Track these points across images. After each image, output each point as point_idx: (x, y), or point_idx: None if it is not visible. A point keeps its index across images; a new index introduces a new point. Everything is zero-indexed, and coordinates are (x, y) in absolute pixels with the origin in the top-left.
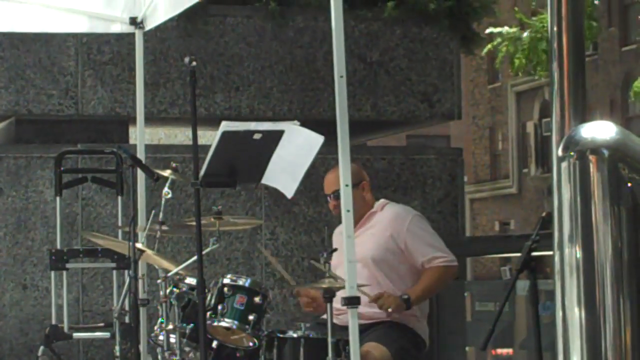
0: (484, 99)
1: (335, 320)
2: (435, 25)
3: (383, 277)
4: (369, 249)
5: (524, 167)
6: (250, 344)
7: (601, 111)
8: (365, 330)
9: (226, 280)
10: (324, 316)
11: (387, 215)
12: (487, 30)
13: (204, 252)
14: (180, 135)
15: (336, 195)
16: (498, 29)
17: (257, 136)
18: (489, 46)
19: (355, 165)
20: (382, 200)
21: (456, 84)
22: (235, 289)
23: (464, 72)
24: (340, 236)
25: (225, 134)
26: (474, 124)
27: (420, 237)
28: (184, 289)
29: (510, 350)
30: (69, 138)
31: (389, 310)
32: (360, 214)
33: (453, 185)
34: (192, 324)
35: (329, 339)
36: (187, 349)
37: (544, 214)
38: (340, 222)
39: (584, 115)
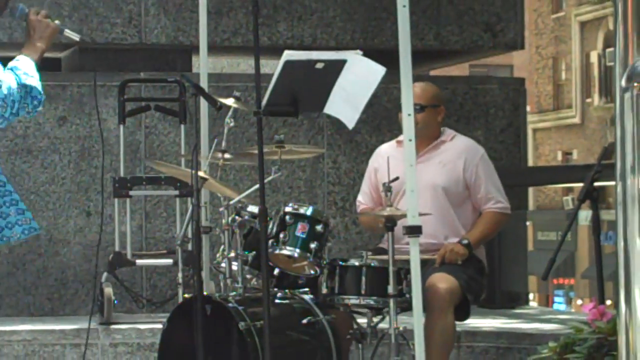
0: (548, 29)
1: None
2: None
3: (449, 208)
4: (439, 178)
5: (587, 97)
6: (312, 272)
7: None
8: (427, 262)
9: (288, 209)
10: (384, 244)
11: (458, 145)
12: None
13: (266, 181)
14: (242, 64)
15: (417, 108)
16: None
17: (319, 65)
18: None
19: (437, 88)
20: (449, 130)
21: (519, 13)
22: (297, 217)
23: (528, 1)
24: (384, 158)
25: (287, 63)
26: (537, 53)
27: (489, 175)
28: (246, 216)
29: (571, 280)
30: (132, 67)
31: (459, 262)
32: (429, 140)
33: (515, 115)
34: (253, 252)
35: (390, 268)
36: (248, 276)
37: (606, 145)
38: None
39: None
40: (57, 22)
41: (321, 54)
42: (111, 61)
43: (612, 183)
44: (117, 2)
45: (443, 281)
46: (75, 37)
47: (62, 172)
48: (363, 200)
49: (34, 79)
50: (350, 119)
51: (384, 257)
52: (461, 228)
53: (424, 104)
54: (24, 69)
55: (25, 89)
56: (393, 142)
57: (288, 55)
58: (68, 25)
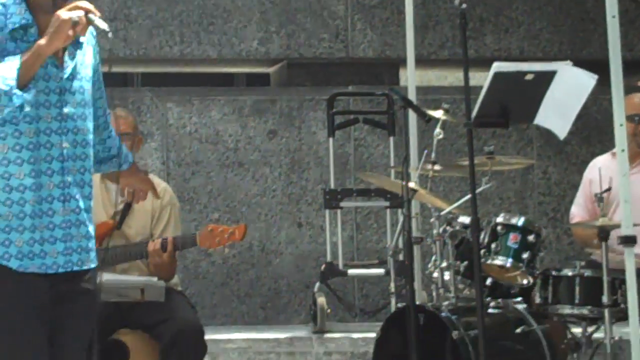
0: None
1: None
2: None
3: None
4: None
5: None
6: (525, 281)
7: None
8: None
9: (499, 219)
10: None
11: None
12: None
13: (476, 192)
14: (449, 77)
15: (636, 119)
16: None
17: (529, 77)
18: None
19: None
20: None
21: None
22: (508, 227)
23: None
24: (597, 169)
25: (497, 75)
26: None
27: None
28: (457, 227)
29: None
30: (339, 80)
31: None
32: (637, 152)
33: None
34: (465, 262)
35: (604, 277)
36: (461, 286)
37: None
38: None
39: None
40: (82, 13)
41: (531, 65)
42: (319, 75)
43: None
44: (324, 17)
45: None
46: (105, 27)
47: (272, 185)
48: (577, 211)
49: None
50: (561, 129)
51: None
52: None
53: None
54: None
55: None
56: (608, 154)
57: (498, 67)
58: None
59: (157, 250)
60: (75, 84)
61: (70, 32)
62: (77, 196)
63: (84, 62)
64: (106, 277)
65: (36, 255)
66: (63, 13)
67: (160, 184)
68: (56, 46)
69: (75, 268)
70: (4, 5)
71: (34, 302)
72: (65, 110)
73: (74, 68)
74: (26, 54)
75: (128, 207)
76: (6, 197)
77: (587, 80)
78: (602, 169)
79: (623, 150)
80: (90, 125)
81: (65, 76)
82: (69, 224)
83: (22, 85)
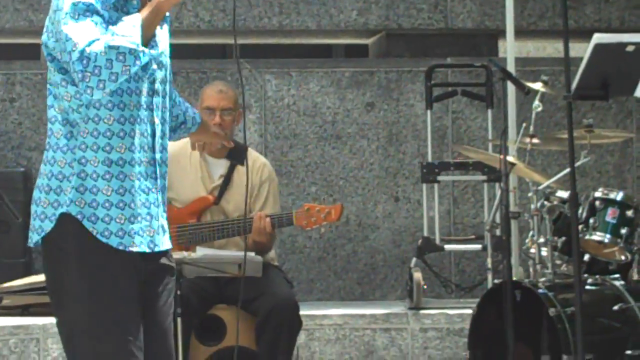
0: None
1: None
2: None
3: None
4: None
5: None
6: (623, 257)
7: None
8: None
9: (597, 194)
10: None
11: None
12: None
13: (575, 165)
14: (548, 48)
15: None
16: None
17: (630, 48)
18: None
19: None
20: None
21: None
22: (607, 202)
23: None
24: None
25: (597, 47)
26: None
27: None
28: (555, 202)
29: None
30: (438, 52)
31: None
32: None
33: None
34: (563, 237)
35: None
36: (558, 262)
37: None
38: None
39: None
40: None
41: (633, 37)
42: (417, 46)
43: None
44: None
45: None
46: None
47: (370, 158)
48: None
49: (124, 38)
50: None
51: None
52: None
53: None
54: (116, 29)
55: (116, 51)
56: None
57: (598, 38)
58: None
59: (263, 228)
60: (163, 58)
61: None
62: (160, 173)
63: (165, 37)
64: (204, 252)
65: (142, 232)
66: None
67: (259, 158)
68: (175, 2)
69: (161, 248)
70: None
71: (131, 278)
72: (156, 85)
73: (161, 42)
74: (145, 12)
75: (227, 182)
76: (105, 171)
77: None
78: None
79: None
80: (167, 101)
81: (159, 50)
82: (155, 203)
83: (144, 44)
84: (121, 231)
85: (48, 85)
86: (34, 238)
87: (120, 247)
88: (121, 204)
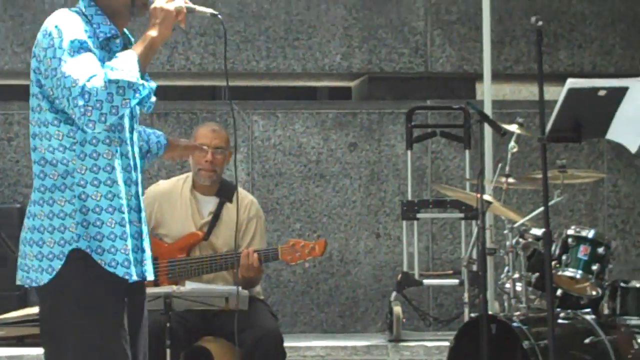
0: None
1: None
2: None
3: None
4: None
5: None
6: (594, 292)
7: None
8: None
9: (570, 232)
10: None
11: None
12: None
13: (549, 204)
14: (524, 91)
15: None
16: None
17: (602, 93)
18: None
19: None
20: None
21: None
22: (579, 239)
23: None
24: None
25: (571, 91)
26: None
27: None
28: (530, 239)
29: None
30: (418, 95)
31: None
32: None
33: None
34: (537, 273)
35: None
36: (532, 296)
37: None
38: None
39: None
40: (181, 2)
41: (604, 82)
42: (399, 89)
43: None
44: (404, 33)
45: None
46: (209, 11)
47: (352, 196)
48: None
49: (123, 72)
50: (633, 143)
51: None
52: None
53: None
54: (114, 64)
55: (116, 85)
56: None
57: (572, 83)
58: (358, 55)
59: (251, 264)
60: None
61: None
62: (140, 206)
63: None
64: (193, 286)
65: (134, 263)
66: (165, 4)
67: (247, 196)
68: (166, 36)
69: (147, 277)
70: (88, 16)
71: (124, 306)
72: (134, 122)
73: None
74: (139, 47)
75: (216, 218)
76: (108, 204)
77: None
78: None
79: None
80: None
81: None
82: (143, 234)
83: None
84: (127, 261)
85: (32, 126)
86: (43, 278)
87: (126, 277)
88: (124, 235)
